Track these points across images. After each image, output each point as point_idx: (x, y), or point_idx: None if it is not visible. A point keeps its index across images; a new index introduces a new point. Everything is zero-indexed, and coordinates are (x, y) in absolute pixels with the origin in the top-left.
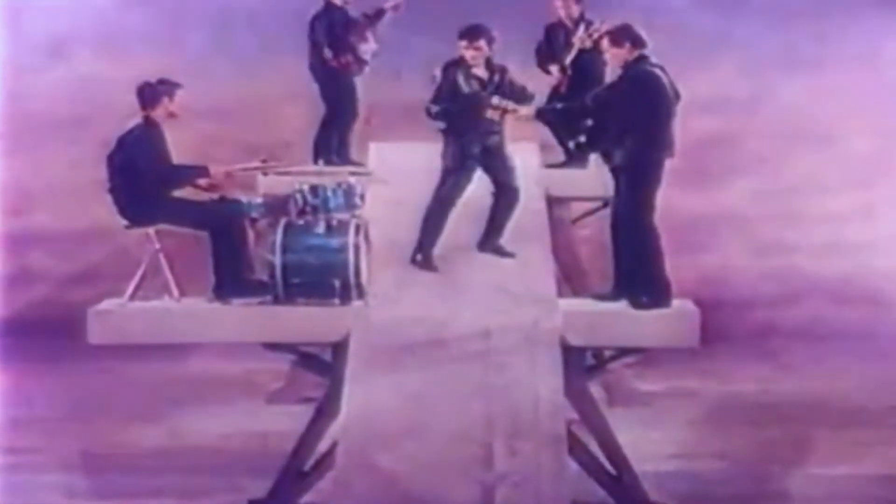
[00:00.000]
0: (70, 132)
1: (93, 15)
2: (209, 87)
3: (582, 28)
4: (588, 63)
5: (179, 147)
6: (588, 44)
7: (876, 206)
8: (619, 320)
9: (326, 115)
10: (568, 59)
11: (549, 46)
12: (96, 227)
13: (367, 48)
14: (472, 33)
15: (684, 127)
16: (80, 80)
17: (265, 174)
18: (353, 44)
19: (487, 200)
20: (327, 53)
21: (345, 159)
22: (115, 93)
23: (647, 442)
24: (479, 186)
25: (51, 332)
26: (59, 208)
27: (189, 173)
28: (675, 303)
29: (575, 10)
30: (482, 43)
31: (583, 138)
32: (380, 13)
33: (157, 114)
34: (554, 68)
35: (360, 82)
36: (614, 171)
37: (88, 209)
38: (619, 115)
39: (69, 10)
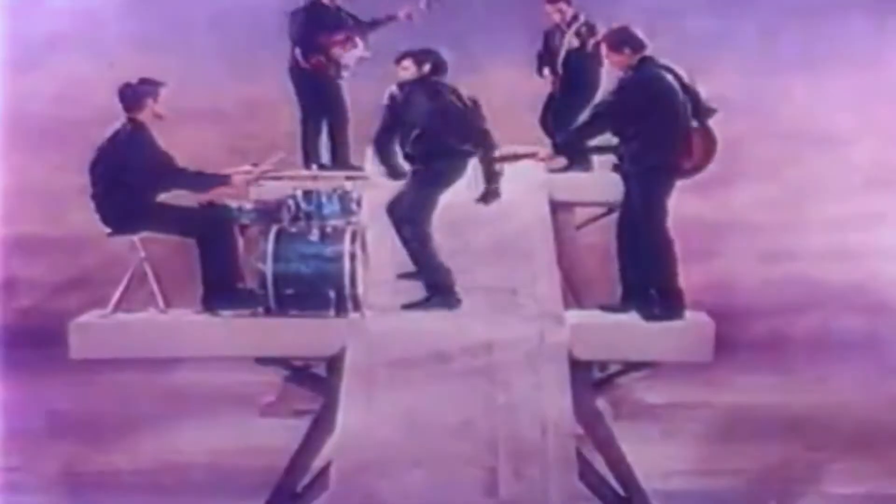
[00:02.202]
0: (63, 136)
1: (83, 16)
2: (204, 89)
3: (572, 28)
4: (580, 63)
5: (172, 150)
6: (575, 43)
7: (886, 212)
8: (630, 333)
9: (302, 119)
10: (558, 61)
11: (548, 52)
12: (86, 234)
13: (353, 53)
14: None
15: None
16: (71, 82)
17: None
18: (326, 45)
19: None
20: (297, 53)
21: (341, 164)
22: (105, 95)
23: (655, 458)
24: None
25: (35, 343)
26: (49, 214)
27: (207, 180)
28: (688, 314)
29: (568, 13)
30: (409, 62)
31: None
32: (391, 18)
33: (144, 115)
34: (545, 71)
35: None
36: (625, 177)
37: (78, 215)
38: (627, 120)
39: (60, 11)
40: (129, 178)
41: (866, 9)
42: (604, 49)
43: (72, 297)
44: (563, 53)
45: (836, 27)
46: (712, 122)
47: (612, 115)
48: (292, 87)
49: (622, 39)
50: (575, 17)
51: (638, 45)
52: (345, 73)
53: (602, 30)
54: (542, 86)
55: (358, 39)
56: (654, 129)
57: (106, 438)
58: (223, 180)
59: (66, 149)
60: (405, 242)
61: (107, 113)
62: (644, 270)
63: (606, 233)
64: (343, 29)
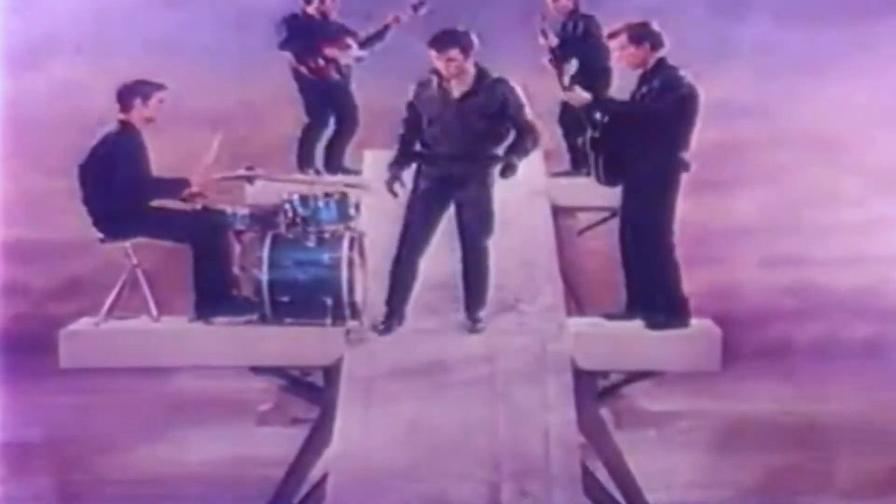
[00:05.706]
0: (60, 139)
1: (83, 17)
2: (203, 91)
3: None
4: (591, 52)
5: (169, 152)
6: (571, 30)
7: (891, 217)
8: (634, 342)
9: (308, 123)
10: (553, 44)
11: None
12: (83, 239)
13: (349, 54)
14: (442, 42)
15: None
16: (70, 85)
17: (252, 182)
18: (317, 47)
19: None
20: (290, 59)
21: (335, 168)
22: (104, 99)
23: (658, 468)
24: None
25: (30, 350)
26: (47, 219)
27: (168, 187)
28: (694, 322)
29: (568, 4)
30: (455, 52)
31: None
32: (384, 30)
33: (133, 118)
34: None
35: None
36: (633, 182)
37: (76, 220)
38: (659, 125)
39: (60, 12)
40: (113, 183)
41: (871, 12)
42: (621, 41)
43: (69, 303)
44: (556, 40)
45: (840, 31)
46: (716, 125)
47: (649, 117)
48: (298, 90)
49: (644, 34)
50: (574, 11)
51: (658, 43)
52: (347, 73)
53: (612, 24)
54: (549, 86)
55: (350, 41)
56: (680, 133)
57: (101, 448)
58: (181, 185)
59: (64, 153)
60: (481, 257)
61: (106, 117)
62: (649, 277)
63: (609, 238)
64: (332, 32)
